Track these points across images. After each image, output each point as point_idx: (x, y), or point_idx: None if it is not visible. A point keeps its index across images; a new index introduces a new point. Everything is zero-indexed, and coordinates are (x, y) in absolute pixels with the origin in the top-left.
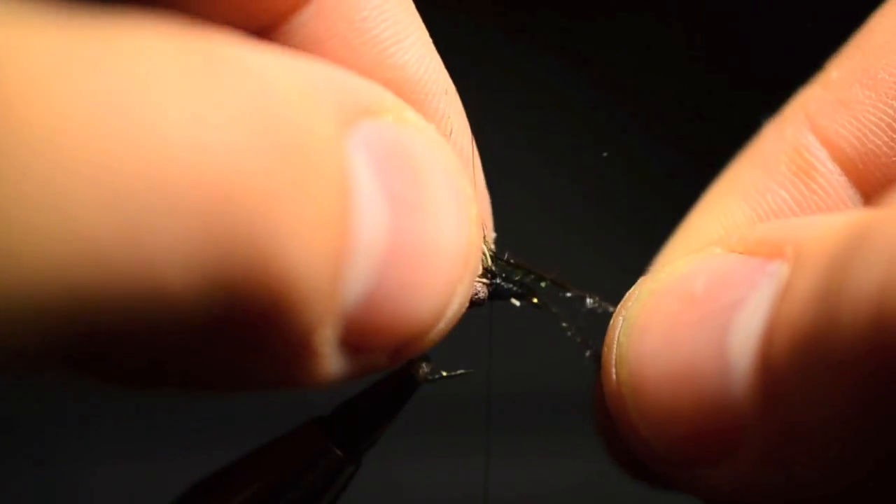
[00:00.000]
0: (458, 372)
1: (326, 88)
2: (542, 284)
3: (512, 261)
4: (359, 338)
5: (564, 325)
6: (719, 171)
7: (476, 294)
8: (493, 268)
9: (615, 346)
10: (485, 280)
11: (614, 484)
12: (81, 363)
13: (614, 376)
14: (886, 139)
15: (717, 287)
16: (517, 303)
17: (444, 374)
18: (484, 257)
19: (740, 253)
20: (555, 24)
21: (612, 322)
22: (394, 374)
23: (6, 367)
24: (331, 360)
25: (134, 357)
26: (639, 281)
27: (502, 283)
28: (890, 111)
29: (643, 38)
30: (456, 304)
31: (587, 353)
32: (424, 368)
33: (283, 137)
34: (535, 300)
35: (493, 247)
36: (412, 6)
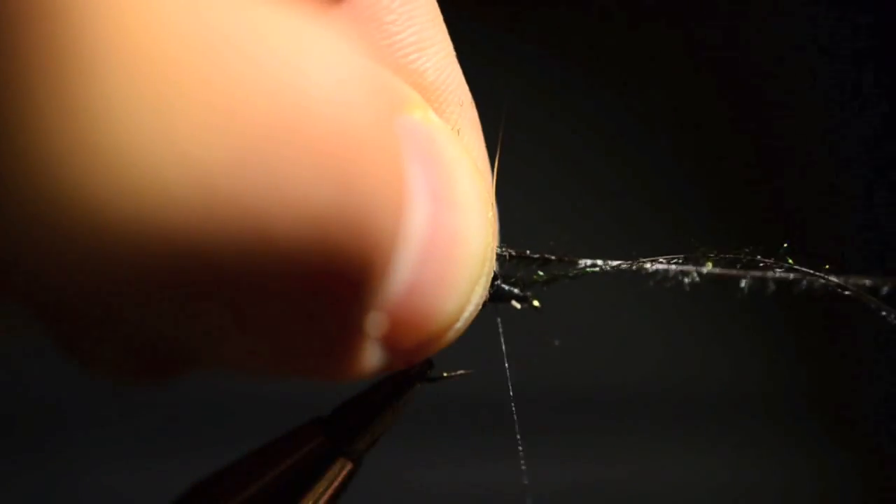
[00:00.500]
0: (459, 372)
1: (379, 73)
2: (539, 274)
3: (514, 252)
4: (393, 330)
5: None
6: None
7: None
8: (496, 270)
9: None
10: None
11: (617, 484)
12: (160, 313)
13: None
14: None
15: None
16: (518, 305)
17: (445, 374)
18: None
19: None
20: (555, 20)
21: None
22: (394, 374)
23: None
24: (370, 352)
25: (218, 311)
26: None
27: (503, 286)
28: None
29: (644, 37)
30: (473, 304)
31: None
32: (425, 368)
33: (372, 102)
34: (536, 303)
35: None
36: (440, 17)
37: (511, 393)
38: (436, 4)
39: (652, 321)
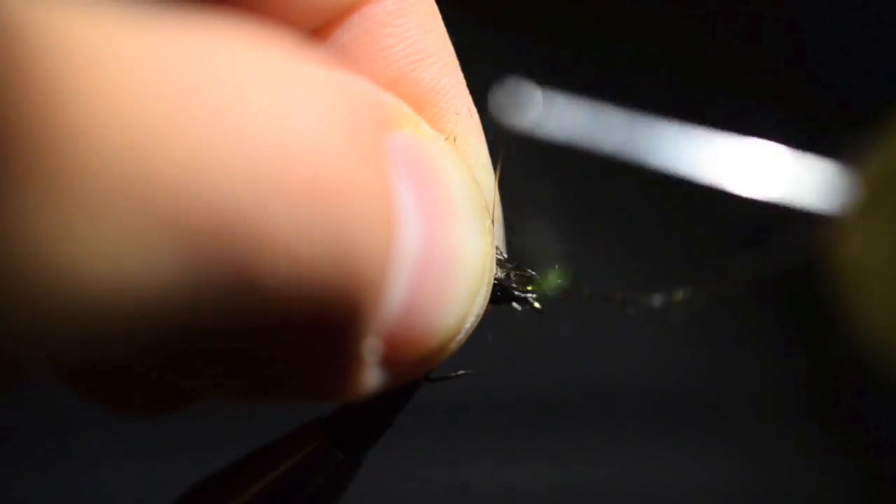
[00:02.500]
0: (459, 372)
1: (364, 96)
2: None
3: (515, 263)
4: (392, 350)
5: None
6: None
7: None
8: (498, 274)
9: None
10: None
11: (617, 484)
12: (151, 370)
13: None
14: None
15: None
16: (518, 307)
17: (445, 374)
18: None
19: None
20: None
21: None
22: None
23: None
24: (369, 373)
25: (214, 362)
26: None
27: (505, 285)
28: None
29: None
30: (474, 315)
31: None
32: None
33: (352, 134)
34: (537, 305)
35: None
36: (440, 26)
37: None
38: (436, 13)
39: (652, 321)
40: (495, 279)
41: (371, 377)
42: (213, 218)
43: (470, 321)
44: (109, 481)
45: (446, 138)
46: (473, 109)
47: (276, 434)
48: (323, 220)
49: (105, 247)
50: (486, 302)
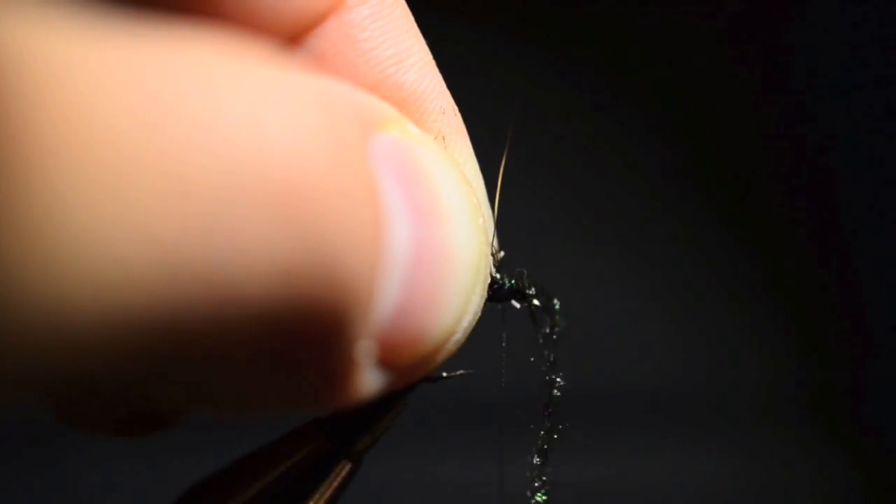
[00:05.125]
0: (459, 372)
1: (346, 98)
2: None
3: (517, 270)
4: (389, 352)
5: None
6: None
7: None
8: (494, 272)
9: None
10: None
11: (616, 484)
12: (140, 385)
13: None
14: None
15: None
16: (517, 304)
17: (445, 374)
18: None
19: None
20: (550, 17)
21: None
22: None
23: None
24: (367, 376)
25: (193, 379)
26: None
27: (503, 283)
28: None
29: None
30: (471, 315)
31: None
32: None
33: (330, 141)
34: (536, 302)
35: (496, 252)
36: (415, 28)
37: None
38: (410, 15)
39: (651, 321)
40: (492, 276)
41: (368, 380)
42: (189, 232)
43: (467, 320)
44: (109, 481)
45: (435, 138)
46: (456, 108)
47: (276, 434)
48: (301, 228)
49: (80, 264)
50: (483, 300)
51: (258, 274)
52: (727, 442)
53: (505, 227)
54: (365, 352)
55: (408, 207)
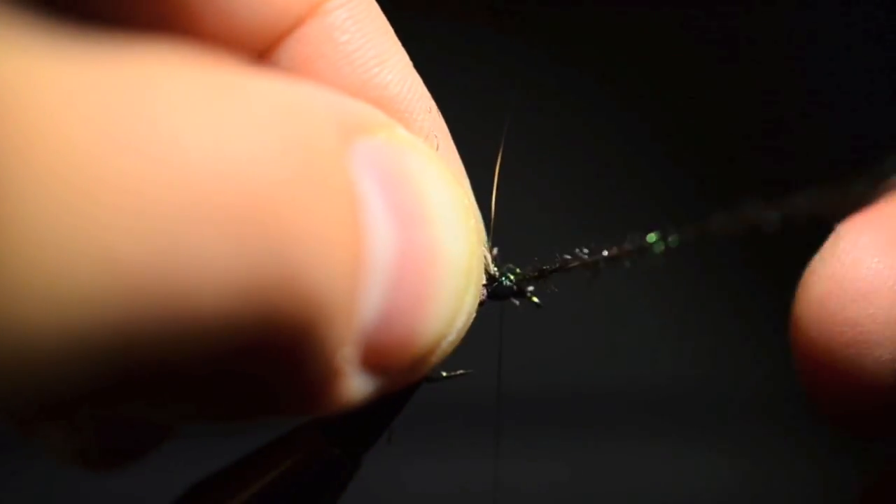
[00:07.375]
0: (459, 372)
1: (325, 106)
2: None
3: (511, 266)
4: (377, 357)
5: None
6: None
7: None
8: (492, 270)
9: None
10: (483, 282)
11: (616, 483)
12: (102, 406)
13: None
14: None
15: None
16: (517, 302)
17: (445, 374)
18: (484, 261)
19: None
20: (545, 19)
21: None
22: None
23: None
24: (353, 382)
25: (158, 394)
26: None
27: (502, 281)
28: None
29: (640, 32)
30: (464, 315)
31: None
32: None
33: (297, 152)
34: (535, 300)
35: (491, 250)
36: (391, 30)
37: (499, 390)
38: (384, 18)
39: (651, 321)
40: (490, 275)
41: (356, 385)
42: (149, 250)
43: (460, 321)
44: (109, 481)
45: (425, 138)
46: (437, 109)
47: (276, 434)
48: (263, 243)
49: (39, 282)
50: (478, 301)
51: (218, 292)
52: (727, 442)
53: (502, 226)
54: (347, 358)
55: (391, 212)
